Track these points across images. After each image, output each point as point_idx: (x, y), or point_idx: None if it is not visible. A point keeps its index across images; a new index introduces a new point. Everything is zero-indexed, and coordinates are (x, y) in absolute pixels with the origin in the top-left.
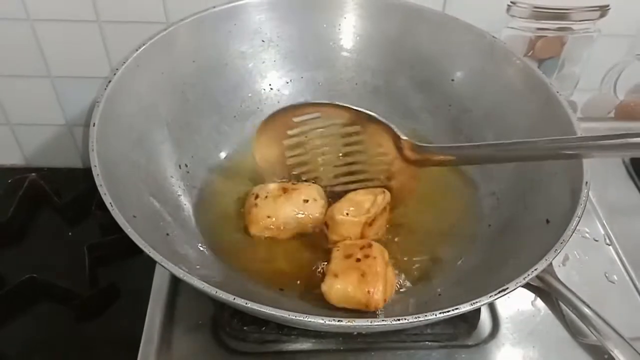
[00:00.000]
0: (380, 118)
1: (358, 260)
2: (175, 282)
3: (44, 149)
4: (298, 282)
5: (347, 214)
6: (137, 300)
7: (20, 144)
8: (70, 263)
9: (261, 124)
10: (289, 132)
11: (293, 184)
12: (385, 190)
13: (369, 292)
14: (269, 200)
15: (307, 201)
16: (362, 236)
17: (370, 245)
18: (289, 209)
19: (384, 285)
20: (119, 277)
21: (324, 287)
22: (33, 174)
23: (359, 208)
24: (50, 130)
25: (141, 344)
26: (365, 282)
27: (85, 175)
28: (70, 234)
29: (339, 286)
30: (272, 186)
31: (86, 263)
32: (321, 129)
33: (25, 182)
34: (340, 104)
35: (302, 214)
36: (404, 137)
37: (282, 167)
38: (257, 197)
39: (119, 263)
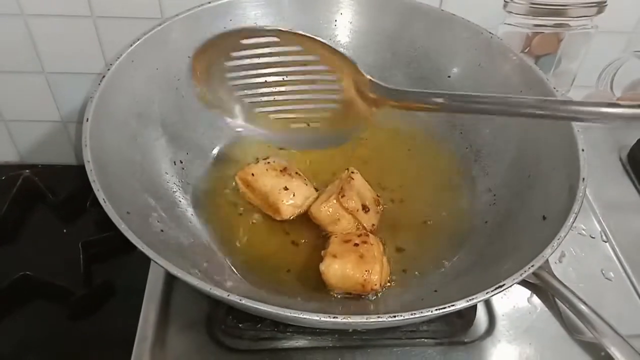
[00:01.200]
0: (340, 50)
1: (356, 245)
2: (170, 280)
3: (38, 146)
4: (289, 270)
5: (321, 202)
6: (132, 298)
7: (14, 141)
8: (64, 260)
9: (204, 43)
10: (233, 54)
11: (297, 172)
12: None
13: (367, 271)
14: (265, 166)
15: (286, 189)
16: (351, 214)
17: (367, 235)
18: (269, 182)
19: (381, 268)
20: (114, 275)
21: (322, 266)
22: (27, 170)
23: (326, 193)
24: (44, 126)
25: (135, 342)
26: (363, 262)
27: (79, 172)
28: (64, 231)
29: (337, 266)
30: (282, 162)
31: (81, 260)
32: (271, 56)
33: (19, 179)
34: (298, 32)
35: (272, 195)
36: (367, 76)
37: (224, 90)
38: (266, 159)
39: (114, 260)
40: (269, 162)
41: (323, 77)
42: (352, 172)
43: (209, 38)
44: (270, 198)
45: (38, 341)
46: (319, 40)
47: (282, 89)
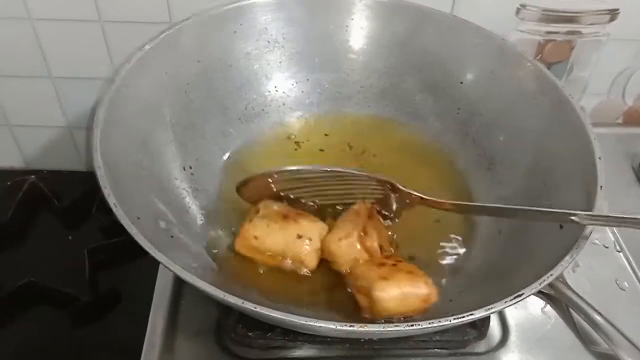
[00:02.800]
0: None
1: (394, 265)
2: (179, 286)
3: (44, 151)
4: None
5: (340, 238)
6: (138, 305)
7: (20, 146)
8: (69, 267)
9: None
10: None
11: (298, 213)
12: (362, 201)
13: (425, 283)
14: (264, 221)
15: (300, 237)
16: (370, 254)
17: (391, 255)
18: (279, 237)
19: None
20: (120, 282)
21: (378, 292)
22: (32, 176)
23: (345, 227)
24: (50, 131)
25: (143, 350)
26: (415, 277)
27: (85, 177)
28: (70, 237)
29: (394, 287)
30: (276, 208)
31: (86, 267)
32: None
33: (24, 184)
34: (328, 168)
35: (289, 250)
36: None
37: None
38: (257, 211)
39: (120, 267)
40: (264, 216)
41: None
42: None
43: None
44: (289, 254)
45: (42, 348)
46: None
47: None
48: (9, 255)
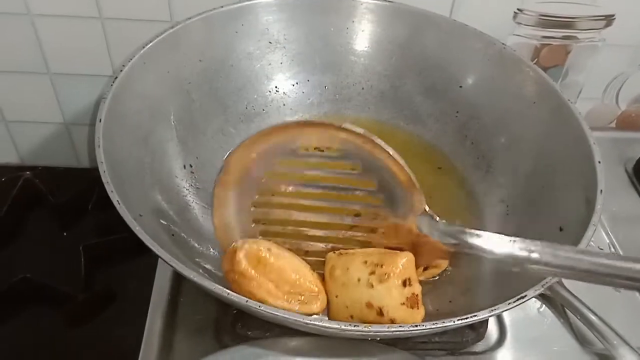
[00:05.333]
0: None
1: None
2: (177, 285)
3: (40, 147)
4: None
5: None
6: (134, 303)
7: (15, 142)
8: (65, 264)
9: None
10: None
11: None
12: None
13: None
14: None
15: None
16: None
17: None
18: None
19: None
20: (115, 280)
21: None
22: (28, 172)
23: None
24: (46, 128)
25: (142, 348)
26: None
27: (81, 174)
28: (65, 234)
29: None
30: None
31: (82, 264)
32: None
33: (19, 180)
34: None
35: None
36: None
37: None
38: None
39: (116, 265)
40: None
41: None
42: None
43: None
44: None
45: (37, 346)
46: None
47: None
48: (3, 253)
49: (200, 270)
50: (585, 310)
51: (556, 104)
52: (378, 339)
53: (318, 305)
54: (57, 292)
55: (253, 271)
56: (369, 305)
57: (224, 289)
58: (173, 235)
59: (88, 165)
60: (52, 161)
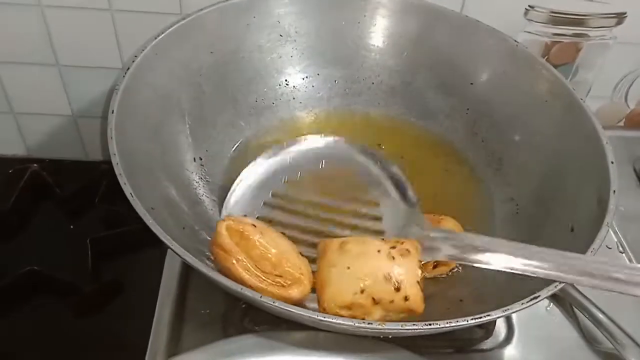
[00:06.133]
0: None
1: None
2: (185, 278)
3: (47, 140)
4: None
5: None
6: (141, 296)
7: (23, 134)
8: (71, 257)
9: None
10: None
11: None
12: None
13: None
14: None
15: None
16: None
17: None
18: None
19: None
20: (122, 273)
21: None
22: (35, 164)
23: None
24: (54, 120)
25: (150, 340)
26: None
27: (88, 167)
28: (71, 227)
29: None
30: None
31: (88, 257)
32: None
33: (26, 172)
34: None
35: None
36: None
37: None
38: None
39: (122, 258)
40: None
41: None
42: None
43: None
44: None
45: (42, 337)
46: None
47: None
48: (10, 244)
49: (212, 264)
50: (594, 310)
51: (568, 102)
52: (391, 336)
53: (298, 291)
54: (64, 284)
55: (233, 246)
56: (388, 277)
57: (238, 285)
58: (184, 228)
59: (95, 158)
60: (59, 154)
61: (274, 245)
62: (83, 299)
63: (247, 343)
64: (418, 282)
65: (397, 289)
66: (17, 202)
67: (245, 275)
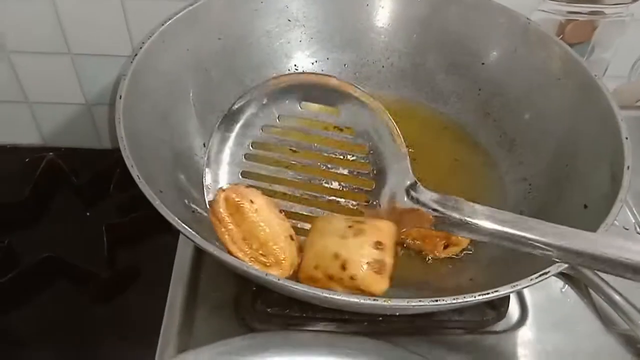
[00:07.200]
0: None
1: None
2: (198, 262)
3: (62, 128)
4: None
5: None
6: (156, 281)
7: (38, 123)
8: (88, 243)
9: None
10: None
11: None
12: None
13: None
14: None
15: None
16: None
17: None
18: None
19: None
20: (138, 258)
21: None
22: (51, 153)
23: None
24: (68, 109)
25: (163, 324)
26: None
27: (103, 155)
28: (87, 214)
29: None
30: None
31: (104, 243)
32: None
33: (42, 161)
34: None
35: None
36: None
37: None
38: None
39: (138, 244)
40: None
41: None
42: None
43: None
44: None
45: (61, 323)
46: None
47: None
48: (28, 231)
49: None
50: (609, 290)
51: (582, 80)
52: (398, 313)
53: (277, 273)
54: (80, 270)
55: (227, 217)
56: (336, 256)
57: (243, 263)
58: (193, 212)
59: (109, 146)
60: (74, 142)
61: (267, 225)
62: (99, 284)
63: (247, 343)
64: (369, 262)
65: (343, 268)
66: (34, 190)
67: (232, 246)
